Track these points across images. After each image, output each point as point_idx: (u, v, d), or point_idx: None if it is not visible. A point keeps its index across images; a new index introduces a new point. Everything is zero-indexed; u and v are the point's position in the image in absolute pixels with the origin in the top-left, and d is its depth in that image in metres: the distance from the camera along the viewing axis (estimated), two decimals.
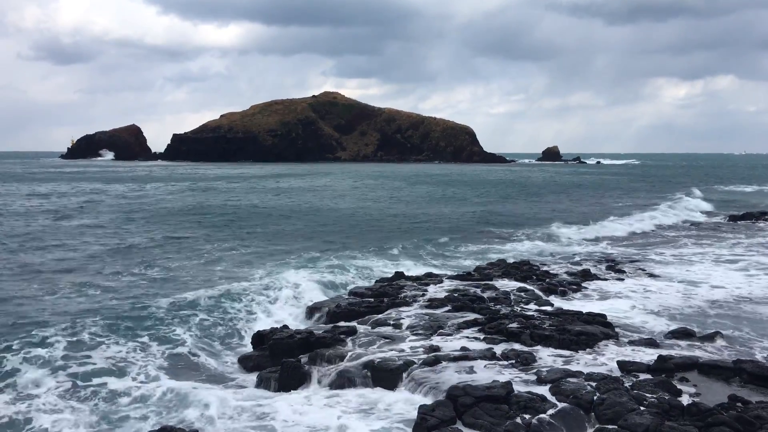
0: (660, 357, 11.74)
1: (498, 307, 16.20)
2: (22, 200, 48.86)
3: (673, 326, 15.02)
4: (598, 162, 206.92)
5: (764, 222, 37.43)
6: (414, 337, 13.62)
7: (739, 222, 38.01)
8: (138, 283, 20.02)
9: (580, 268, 22.63)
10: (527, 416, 9.48)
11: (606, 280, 20.75)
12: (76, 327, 14.39)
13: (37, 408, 10.71)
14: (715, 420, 9.01)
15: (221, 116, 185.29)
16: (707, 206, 48.22)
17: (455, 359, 11.82)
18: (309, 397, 11.19)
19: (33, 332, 13.88)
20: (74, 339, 13.67)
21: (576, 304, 17.31)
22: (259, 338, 14.20)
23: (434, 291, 17.98)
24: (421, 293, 17.58)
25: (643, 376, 11.09)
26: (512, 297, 17.35)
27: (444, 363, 11.64)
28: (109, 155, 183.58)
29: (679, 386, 10.63)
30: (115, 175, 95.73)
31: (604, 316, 15.10)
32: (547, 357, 12.27)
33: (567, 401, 9.90)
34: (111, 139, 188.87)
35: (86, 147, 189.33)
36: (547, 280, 20.14)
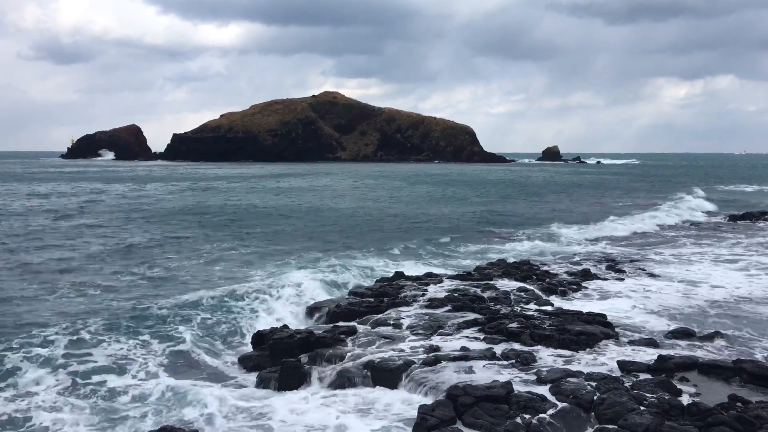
0: (660, 357, 11.75)
1: (498, 307, 16.20)
2: (22, 200, 48.86)
3: (673, 326, 15.02)
4: (598, 162, 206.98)
5: (764, 222, 37.41)
6: (414, 337, 13.62)
7: (739, 222, 37.99)
8: (138, 282, 20.03)
9: (580, 267, 22.62)
10: (527, 416, 9.48)
11: (606, 279, 20.74)
12: (76, 326, 14.41)
13: (37, 406, 10.73)
14: (715, 420, 9.02)
15: (221, 116, 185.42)
16: (710, 206, 48.09)
17: (455, 359, 11.82)
18: (308, 397, 11.21)
19: (33, 331, 13.91)
20: (74, 338, 13.69)
21: (576, 304, 17.31)
22: (259, 338, 14.18)
23: (434, 291, 17.98)
24: (421, 293, 17.57)
25: (643, 376, 11.10)
26: (512, 297, 17.35)
27: (444, 363, 11.64)
28: (109, 155, 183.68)
29: (679, 386, 10.64)
30: (115, 175, 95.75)
31: (604, 315, 15.10)
32: (547, 357, 12.27)
33: (567, 401, 9.91)
34: (111, 139, 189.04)
35: (86, 147, 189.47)
36: (547, 279, 20.13)
